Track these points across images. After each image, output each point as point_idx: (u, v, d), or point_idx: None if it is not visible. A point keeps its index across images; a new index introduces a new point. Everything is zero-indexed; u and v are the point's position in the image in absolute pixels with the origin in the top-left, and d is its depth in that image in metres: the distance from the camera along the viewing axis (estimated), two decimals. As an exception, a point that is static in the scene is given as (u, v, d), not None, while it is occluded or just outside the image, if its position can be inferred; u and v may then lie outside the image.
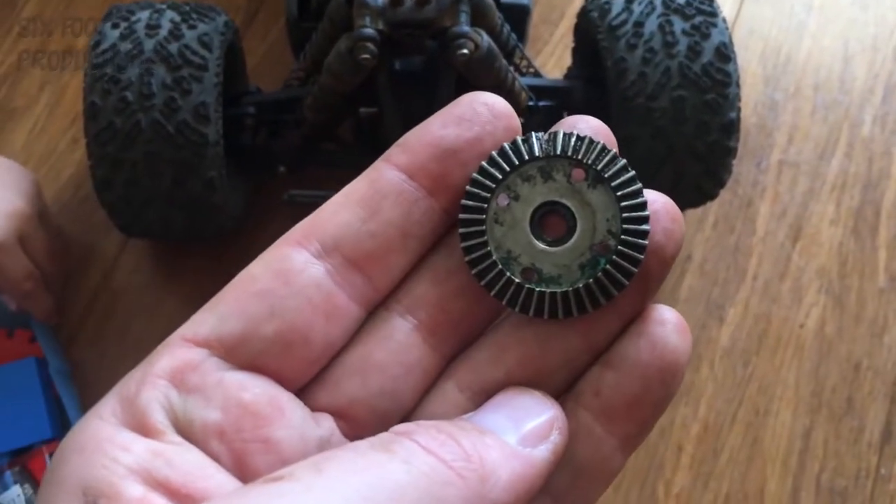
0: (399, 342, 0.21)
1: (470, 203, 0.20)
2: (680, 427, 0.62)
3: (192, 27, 0.58)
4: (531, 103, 0.61)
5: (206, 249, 0.67)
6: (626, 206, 0.20)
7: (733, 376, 0.64)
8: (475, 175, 0.20)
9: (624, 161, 0.20)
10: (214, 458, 0.19)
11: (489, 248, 0.20)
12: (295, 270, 0.20)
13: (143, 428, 0.19)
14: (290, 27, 0.64)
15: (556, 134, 0.20)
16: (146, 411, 0.19)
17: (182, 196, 0.57)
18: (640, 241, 0.20)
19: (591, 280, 0.20)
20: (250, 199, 0.67)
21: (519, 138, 0.20)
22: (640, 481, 0.61)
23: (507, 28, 0.59)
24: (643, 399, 0.20)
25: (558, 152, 0.20)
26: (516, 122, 0.21)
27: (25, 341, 0.63)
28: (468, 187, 0.20)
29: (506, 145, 0.20)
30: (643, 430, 0.21)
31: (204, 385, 0.20)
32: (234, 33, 0.62)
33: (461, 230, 0.20)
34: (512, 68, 0.58)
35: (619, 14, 0.58)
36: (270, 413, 0.20)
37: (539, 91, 0.62)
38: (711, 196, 0.62)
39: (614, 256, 0.20)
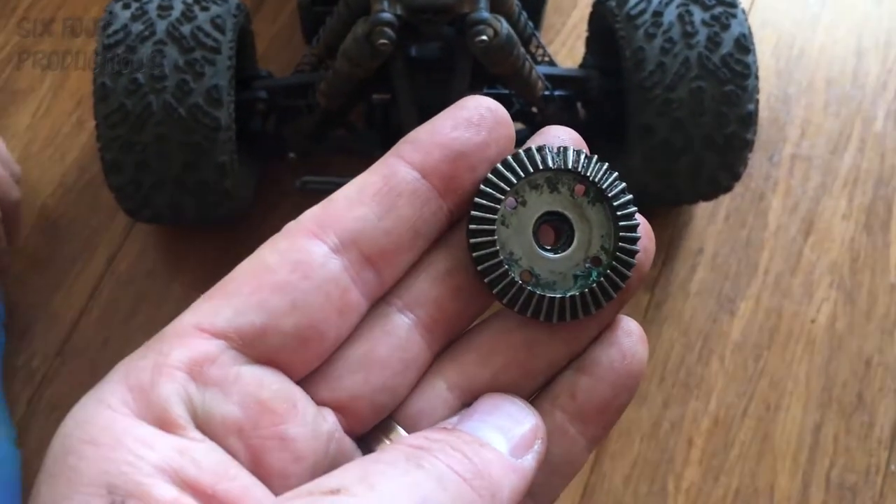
0: (400, 338, 0.21)
1: (483, 202, 0.21)
2: (690, 421, 0.62)
3: (204, 9, 0.57)
4: (546, 93, 0.60)
5: (211, 236, 0.67)
6: (623, 227, 0.21)
7: (744, 371, 0.64)
8: (490, 176, 0.21)
9: (624, 183, 0.21)
10: (233, 454, 0.19)
11: (497, 248, 0.21)
12: (315, 264, 0.20)
13: (162, 422, 0.18)
14: (303, 12, 0.64)
15: (566, 149, 0.21)
16: (166, 404, 0.18)
17: (192, 180, 0.56)
18: (630, 259, 0.21)
19: (584, 290, 0.21)
20: (255, 186, 0.66)
21: (533, 147, 0.21)
22: (649, 475, 0.61)
23: (524, 16, 0.58)
24: (612, 403, 0.22)
25: (568, 166, 0.21)
26: (513, 129, 0.22)
27: None
28: (482, 187, 0.21)
29: (521, 152, 0.21)
30: (607, 431, 0.23)
31: (223, 379, 0.19)
32: (246, 16, 0.61)
33: (471, 227, 0.21)
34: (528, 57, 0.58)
35: (637, 3, 0.58)
36: (285, 410, 0.20)
37: (555, 80, 0.61)
38: (726, 189, 0.61)
39: (608, 270, 0.21)
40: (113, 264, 0.66)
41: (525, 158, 0.21)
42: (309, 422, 0.20)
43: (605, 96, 0.62)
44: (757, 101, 0.57)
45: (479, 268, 0.21)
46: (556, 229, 0.22)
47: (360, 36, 0.51)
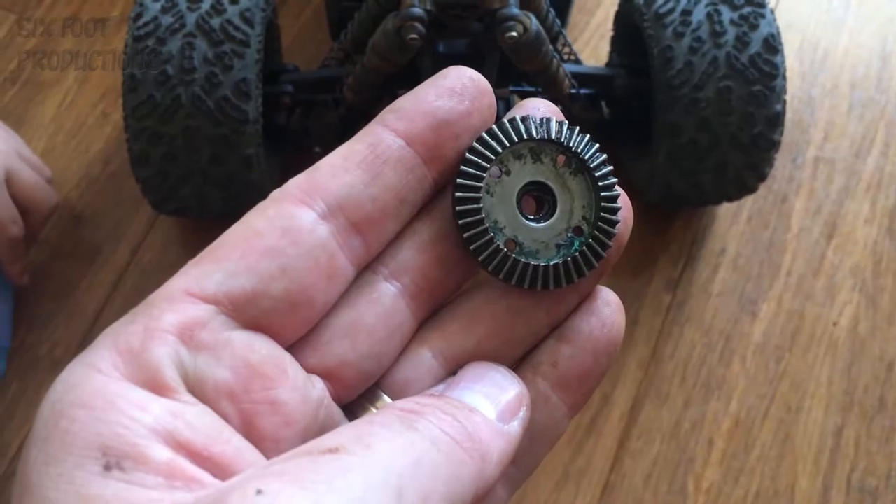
0: (385, 306, 0.21)
1: (469, 170, 0.21)
2: (711, 421, 0.62)
3: (234, 2, 0.57)
4: (573, 91, 0.60)
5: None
6: (603, 197, 0.21)
7: (765, 372, 0.64)
8: (475, 144, 0.21)
9: (605, 155, 0.22)
10: (225, 418, 0.19)
11: (482, 216, 0.21)
12: (304, 230, 0.20)
13: (154, 385, 0.18)
14: (330, 7, 0.64)
15: (549, 120, 0.21)
16: (158, 368, 0.18)
17: (219, 173, 0.57)
18: (612, 229, 0.22)
19: (567, 258, 0.21)
20: (278, 180, 0.66)
21: (518, 117, 0.21)
22: (669, 475, 0.61)
23: (552, 13, 0.59)
24: (593, 371, 0.22)
25: (551, 137, 0.21)
26: (494, 98, 0.22)
27: None
28: (468, 155, 0.21)
29: (505, 122, 0.21)
30: (586, 398, 0.23)
31: (214, 343, 0.19)
32: (273, 10, 0.61)
33: (457, 194, 0.21)
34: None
35: (666, 2, 0.58)
36: (276, 374, 0.20)
37: (581, 78, 0.61)
38: (751, 189, 0.61)
39: (589, 240, 0.21)
40: (136, 256, 0.67)
41: (510, 128, 0.21)
42: (299, 387, 0.20)
43: (630, 95, 0.62)
44: (784, 102, 0.57)
45: (465, 235, 0.21)
46: (538, 199, 0.22)
47: (391, 30, 0.51)
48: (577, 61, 0.64)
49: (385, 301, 0.21)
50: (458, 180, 0.21)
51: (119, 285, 0.66)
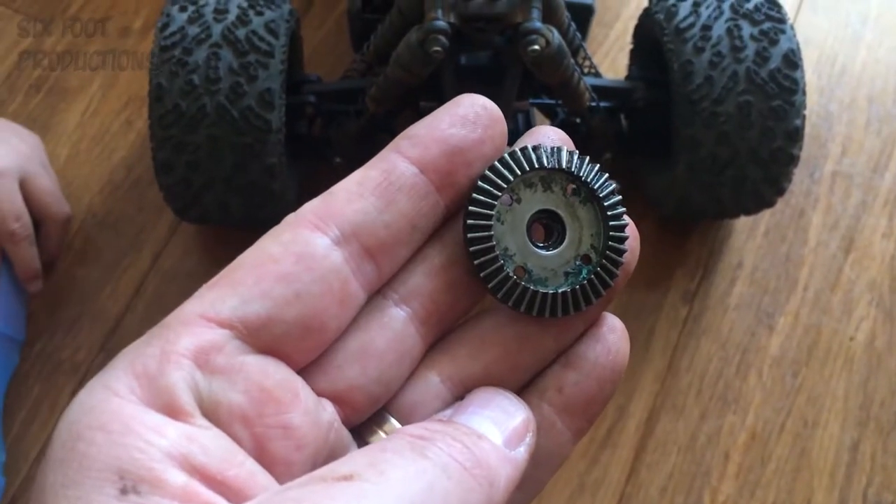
0: (396, 331, 0.22)
1: (481, 198, 0.21)
2: (727, 435, 0.62)
3: (259, 13, 0.58)
4: (592, 103, 0.60)
5: (253, 239, 0.67)
6: (612, 226, 0.22)
7: (782, 386, 0.64)
8: (487, 173, 0.21)
9: (614, 184, 0.22)
10: (238, 442, 0.19)
11: (493, 244, 0.21)
12: (318, 256, 0.20)
13: (170, 409, 0.19)
14: (352, 19, 0.64)
15: (559, 149, 0.22)
16: (173, 392, 0.19)
17: (242, 181, 0.57)
18: (619, 258, 0.22)
19: (575, 286, 0.22)
20: (298, 189, 0.67)
21: (529, 146, 0.22)
22: (685, 488, 0.61)
23: (573, 27, 0.59)
24: (597, 397, 0.23)
25: (562, 166, 0.22)
26: (506, 127, 0.22)
27: None
28: (480, 183, 0.21)
29: (517, 150, 0.22)
30: (591, 424, 0.23)
31: (229, 368, 0.20)
32: (297, 22, 0.62)
33: (469, 221, 0.21)
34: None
35: (686, 17, 0.58)
36: (289, 399, 0.20)
37: (600, 91, 0.61)
38: (769, 203, 0.61)
39: (597, 268, 0.22)
40: (158, 262, 0.67)
41: (521, 157, 0.22)
42: (311, 411, 0.20)
43: (649, 108, 0.63)
44: (804, 117, 0.57)
45: (476, 262, 0.21)
46: (547, 227, 0.22)
47: (414, 43, 0.52)
48: (597, 74, 0.64)
49: (395, 326, 0.22)
50: (470, 208, 0.21)
51: (140, 291, 0.66)
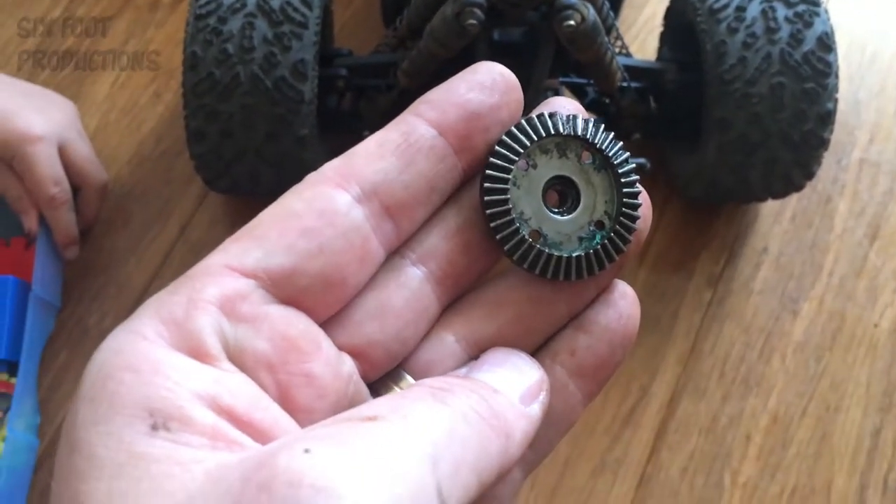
0: (412, 290, 0.22)
1: (498, 162, 0.22)
2: (749, 417, 0.62)
3: (293, -16, 0.58)
4: (623, 83, 0.60)
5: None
6: (625, 193, 0.22)
7: (805, 370, 0.64)
8: (504, 138, 0.22)
9: (628, 153, 0.23)
10: (263, 388, 0.20)
11: (509, 207, 0.22)
12: (340, 212, 0.21)
13: (197, 353, 0.19)
14: (385, -6, 0.65)
15: (575, 117, 0.22)
16: (201, 336, 0.19)
17: (273, 151, 0.58)
18: (632, 224, 0.23)
19: (589, 251, 0.22)
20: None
21: (546, 112, 0.22)
22: (706, 468, 0.61)
23: (607, 5, 0.59)
24: (608, 361, 0.23)
25: (577, 133, 0.22)
26: (522, 94, 0.23)
27: (20, 248, 0.64)
28: (497, 148, 0.22)
29: (533, 116, 0.22)
30: (601, 387, 0.24)
31: (254, 316, 0.20)
32: (330, -5, 0.62)
33: (486, 185, 0.22)
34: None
35: (720, -3, 0.58)
36: (311, 349, 0.21)
37: (632, 71, 0.61)
38: (798, 187, 0.61)
39: (611, 234, 0.22)
40: (185, 233, 0.68)
41: (538, 123, 0.22)
42: (332, 362, 0.21)
43: (679, 89, 0.63)
44: (836, 101, 0.57)
45: (492, 224, 0.22)
46: (562, 193, 0.23)
47: (450, 16, 0.52)
48: (628, 55, 0.64)
49: (412, 285, 0.22)
50: (487, 171, 0.22)
51: (167, 261, 0.67)
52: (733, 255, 0.68)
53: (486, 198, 0.22)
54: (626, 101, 0.62)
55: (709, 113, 0.58)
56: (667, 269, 0.67)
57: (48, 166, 0.60)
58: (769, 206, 0.69)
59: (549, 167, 0.22)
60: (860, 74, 0.74)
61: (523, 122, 0.22)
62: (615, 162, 0.22)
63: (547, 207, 0.22)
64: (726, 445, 0.62)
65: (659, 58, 0.67)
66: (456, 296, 0.23)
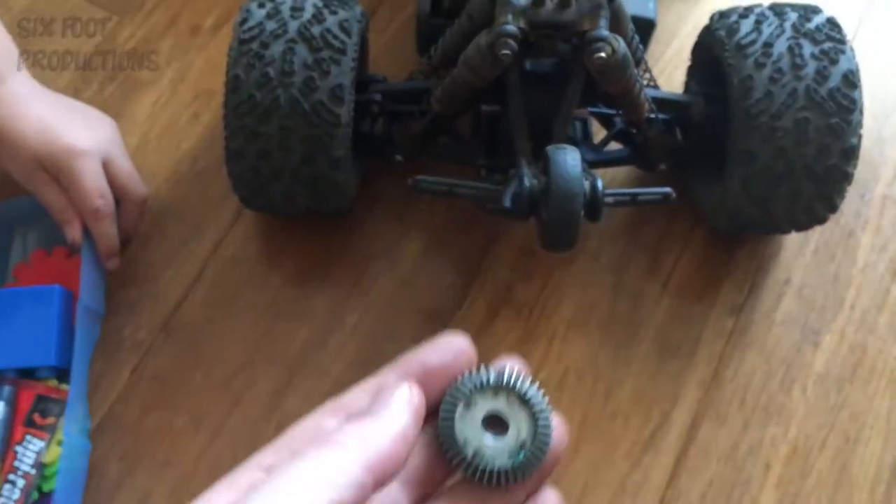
0: (391, 492, 0.30)
1: (447, 405, 0.31)
2: (769, 445, 0.63)
3: (333, 13, 0.60)
4: (651, 115, 0.62)
5: (312, 231, 0.70)
6: (540, 423, 0.31)
7: (825, 401, 0.65)
8: (453, 388, 0.31)
9: (542, 392, 0.31)
10: None
11: (456, 434, 0.30)
12: None
13: None
14: (421, 23, 0.67)
15: (503, 370, 0.31)
16: None
17: (309, 172, 0.59)
18: (545, 448, 0.31)
19: (516, 464, 0.30)
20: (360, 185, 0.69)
21: (482, 367, 0.32)
22: (725, 495, 0.61)
23: (636, 38, 0.61)
24: None
25: (504, 383, 0.31)
26: (473, 355, 0.32)
27: (62, 258, 0.67)
28: (446, 397, 0.31)
29: (472, 371, 0.31)
30: None
31: None
32: (367, 23, 0.64)
33: (440, 421, 0.31)
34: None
35: (748, 34, 0.59)
36: None
37: (660, 103, 0.63)
38: (821, 220, 0.62)
39: (530, 452, 0.30)
40: (219, 249, 0.70)
41: (480, 376, 0.31)
42: None
43: (705, 122, 0.64)
44: (860, 136, 0.58)
45: (444, 449, 0.31)
46: (497, 422, 0.31)
47: (484, 46, 0.54)
48: (656, 87, 0.66)
49: (391, 488, 0.30)
50: (441, 410, 0.31)
51: (201, 276, 0.69)
52: (756, 286, 0.69)
53: (439, 430, 0.31)
54: (653, 132, 0.63)
55: (734, 145, 0.59)
56: (690, 297, 0.68)
57: (93, 179, 0.62)
58: (792, 239, 0.70)
59: (486, 405, 0.31)
60: (885, 112, 0.76)
61: (466, 374, 0.31)
62: (532, 402, 0.31)
63: (486, 433, 0.31)
64: (746, 473, 0.62)
65: (686, 91, 0.69)
66: (424, 495, 0.31)
